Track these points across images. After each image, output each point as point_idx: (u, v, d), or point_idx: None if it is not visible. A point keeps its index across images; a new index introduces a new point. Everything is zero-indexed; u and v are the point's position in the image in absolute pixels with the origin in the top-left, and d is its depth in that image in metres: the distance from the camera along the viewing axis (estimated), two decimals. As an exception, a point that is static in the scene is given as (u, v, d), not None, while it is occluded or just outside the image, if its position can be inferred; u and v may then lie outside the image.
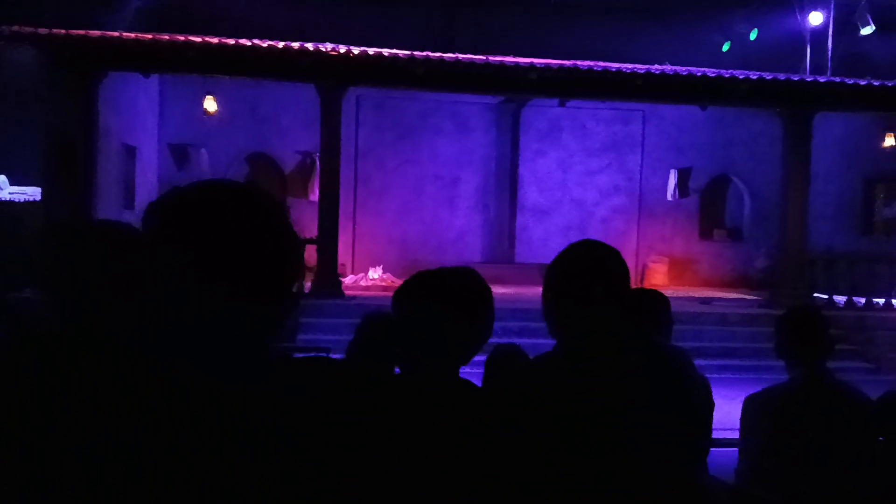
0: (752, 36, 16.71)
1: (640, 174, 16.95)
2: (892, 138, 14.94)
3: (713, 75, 12.70)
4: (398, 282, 13.82)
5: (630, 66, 12.59)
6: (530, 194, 16.60)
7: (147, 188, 14.80)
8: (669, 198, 16.55)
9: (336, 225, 12.26)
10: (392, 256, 15.59)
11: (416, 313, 1.81)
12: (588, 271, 2.00)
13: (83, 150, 11.36)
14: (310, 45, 11.69)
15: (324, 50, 11.69)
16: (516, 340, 11.85)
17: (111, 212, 12.50)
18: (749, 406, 3.08)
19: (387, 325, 2.96)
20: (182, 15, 13.76)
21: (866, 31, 15.39)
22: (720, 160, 16.90)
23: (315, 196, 14.01)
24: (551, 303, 2.03)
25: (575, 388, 1.89)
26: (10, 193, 12.67)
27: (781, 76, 13.10)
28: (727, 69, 13.41)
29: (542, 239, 16.58)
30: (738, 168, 16.95)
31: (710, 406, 2.93)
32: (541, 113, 16.27)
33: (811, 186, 13.34)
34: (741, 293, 14.97)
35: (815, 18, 16.46)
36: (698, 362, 10.73)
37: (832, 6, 16.30)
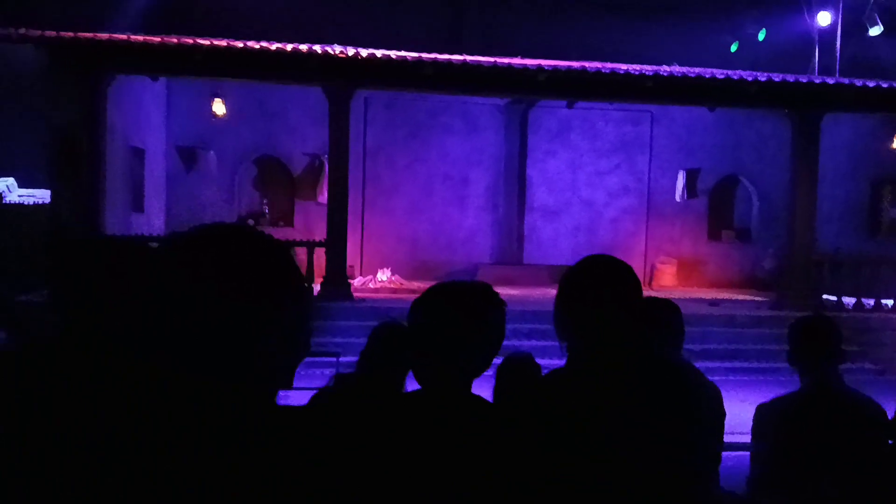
0: (761, 36, 16.68)
1: (649, 175, 16.92)
2: (902, 139, 14.88)
3: (722, 76, 12.67)
4: (407, 284, 13.77)
5: (639, 67, 12.57)
6: (539, 195, 16.59)
7: (155, 190, 14.84)
8: (678, 199, 16.51)
9: (345, 227, 12.26)
10: (401, 256, 15.59)
11: (433, 325, 1.81)
12: (599, 285, 2.01)
13: (91, 153, 11.38)
14: (318, 47, 11.71)
15: (332, 52, 11.70)
16: (525, 343, 11.84)
17: (119, 214, 12.55)
18: (760, 414, 3.07)
19: (399, 334, 2.96)
20: (188, 16, 13.84)
21: (875, 31, 15.34)
22: (729, 161, 16.85)
23: (324, 198, 14.02)
24: (563, 316, 2.03)
25: (585, 406, 1.90)
26: (18, 196, 12.75)
27: (790, 77, 13.06)
28: (736, 70, 13.39)
29: (552, 239, 16.57)
30: (747, 169, 16.90)
31: (721, 415, 2.91)
32: (550, 113, 16.26)
33: (819, 188, 13.29)
34: (749, 294, 14.93)
35: (824, 19, 16.42)
36: (706, 364, 10.66)
37: (841, 7, 16.25)
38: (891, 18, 15.15)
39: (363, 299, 12.26)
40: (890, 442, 3.00)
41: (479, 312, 1.83)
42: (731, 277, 16.59)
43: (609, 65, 12.57)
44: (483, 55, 12.35)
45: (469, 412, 1.77)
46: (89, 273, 1.85)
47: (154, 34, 11.82)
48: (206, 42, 11.41)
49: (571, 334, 2.03)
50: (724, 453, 2.83)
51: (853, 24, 15.85)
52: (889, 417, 3.01)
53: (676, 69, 12.94)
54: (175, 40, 11.42)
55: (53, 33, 10.92)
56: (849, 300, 12.85)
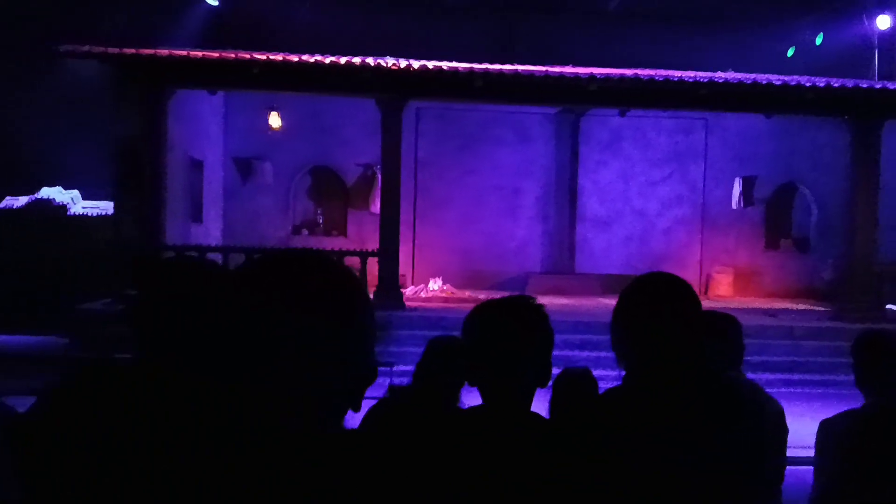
0: (818, 41, 16.33)
1: (703, 184, 16.69)
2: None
3: (778, 83, 12.44)
4: (458, 293, 13.76)
5: (692, 74, 12.44)
6: (591, 205, 16.49)
7: (213, 201, 15.16)
8: (734, 207, 16.27)
9: (397, 237, 12.36)
10: (452, 267, 15.64)
11: (492, 339, 1.83)
12: (657, 303, 2.00)
13: (152, 165, 11.69)
14: (370, 60, 11.85)
15: (384, 64, 11.83)
16: (578, 354, 11.76)
17: (179, 225, 12.85)
18: (824, 430, 2.99)
19: (455, 347, 2.98)
20: (245, 31, 14.11)
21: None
22: (786, 169, 16.54)
23: (376, 208, 14.15)
24: (620, 334, 2.04)
25: (644, 426, 1.89)
26: (83, 207, 13.15)
27: (849, 83, 12.76)
28: (792, 76, 13.13)
29: (604, 250, 16.46)
30: (805, 177, 16.56)
31: (784, 433, 2.86)
32: (601, 123, 16.17)
33: (880, 196, 12.95)
34: (808, 305, 14.61)
35: (883, 22, 16.01)
36: (764, 376, 10.46)
37: (902, 10, 15.83)
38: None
39: (415, 308, 12.32)
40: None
41: (535, 326, 1.85)
42: (788, 287, 16.25)
43: (662, 72, 12.46)
44: (534, 65, 12.35)
45: (530, 430, 1.79)
46: (171, 293, 1.91)
47: (212, 49, 12.10)
48: (263, 56, 11.64)
49: (629, 352, 2.02)
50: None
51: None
52: None
53: (731, 76, 12.76)
54: (233, 55, 11.67)
55: (116, 50, 11.26)
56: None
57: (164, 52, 11.52)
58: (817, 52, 16.15)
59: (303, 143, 15.60)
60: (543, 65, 12.34)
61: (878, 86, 13.17)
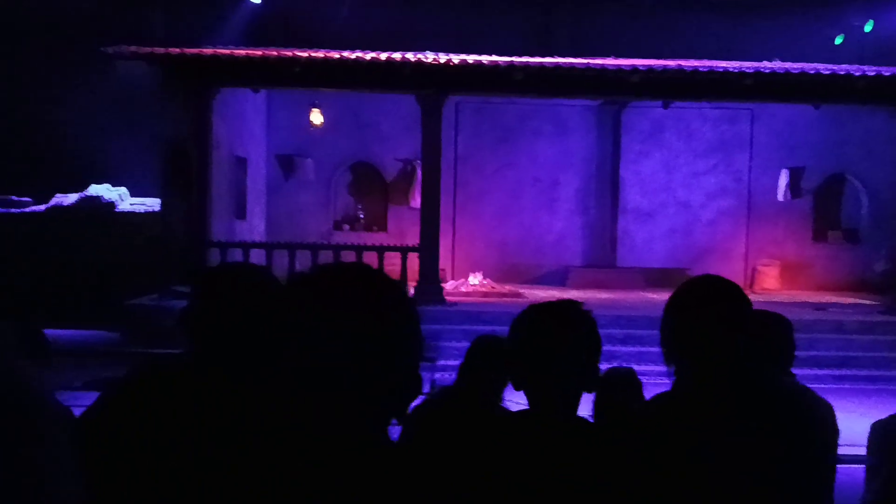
0: (868, 28, 15.92)
1: (749, 175, 16.42)
2: None
3: (827, 72, 12.14)
4: (498, 287, 13.71)
5: (737, 64, 12.21)
6: (632, 197, 16.33)
7: (256, 197, 15.34)
8: (781, 198, 15.97)
9: (437, 231, 12.37)
10: (491, 261, 15.62)
11: (540, 344, 1.82)
12: (707, 307, 1.97)
13: (198, 163, 11.88)
14: (410, 55, 11.86)
15: (424, 60, 11.83)
16: (620, 348, 11.67)
17: (223, 221, 13.03)
18: (876, 433, 2.92)
19: (498, 347, 2.98)
20: (286, 29, 14.23)
21: None
22: (835, 159, 16.19)
23: (416, 203, 14.20)
24: (670, 336, 2.01)
25: (693, 433, 1.87)
26: (130, 204, 13.39)
27: (901, 70, 12.42)
28: (841, 64, 12.81)
29: (646, 242, 16.28)
30: (855, 167, 16.20)
31: (835, 434, 2.80)
32: (643, 114, 15.99)
33: (935, 185, 12.61)
34: (858, 298, 14.28)
35: (937, 7, 15.54)
36: (813, 372, 10.25)
37: (956, -6, 15.38)
38: None
39: (455, 303, 12.33)
40: None
41: (585, 332, 1.84)
42: (838, 280, 15.92)
43: (706, 63, 12.26)
44: (574, 57, 12.23)
45: (577, 436, 1.78)
46: (224, 299, 1.94)
47: (255, 47, 12.23)
48: (305, 54, 11.73)
49: (679, 357, 1.99)
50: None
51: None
52: None
53: (778, 65, 12.49)
54: (275, 53, 11.78)
55: (162, 50, 11.45)
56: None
57: (208, 51, 11.67)
58: (867, 40, 15.74)
59: (343, 140, 15.70)
60: (583, 57, 12.22)
61: (930, 73, 12.78)
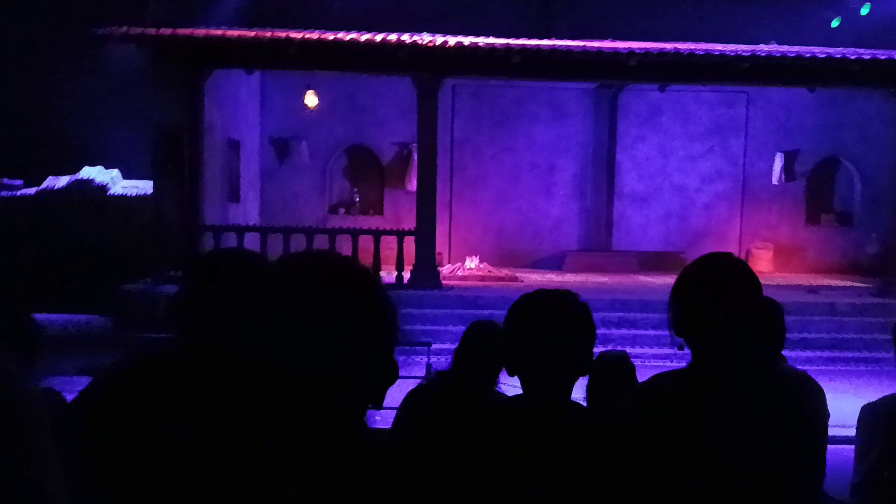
0: (864, 10, 15.87)
1: (744, 158, 16.43)
2: None
3: (823, 56, 12.13)
4: (495, 271, 13.71)
5: (734, 47, 12.17)
6: (629, 181, 16.33)
7: (250, 181, 15.29)
8: (775, 182, 16.00)
9: (434, 215, 12.35)
10: (488, 245, 15.63)
11: (536, 331, 1.83)
12: (719, 285, 1.95)
13: (190, 145, 11.81)
14: (406, 37, 11.79)
15: (420, 42, 11.77)
16: (615, 331, 11.71)
17: (217, 205, 12.99)
18: (865, 416, 2.94)
19: (493, 333, 2.99)
20: (281, 8, 14.12)
21: None
22: (829, 142, 16.20)
23: (412, 186, 14.16)
24: (679, 314, 1.98)
25: (698, 417, 1.86)
26: (122, 187, 13.34)
27: (896, 54, 12.41)
28: (838, 47, 12.80)
29: (642, 226, 16.30)
30: (849, 151, 16.21)
31: (826, 418, 2.82)
32: (640, 97, 15.96)
33: (930, 169, 12.63)
34: (851, 281, 14.33)
35: (934, -10, 15.49)
36: (805, 354, 10.34)
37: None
38: None
39: (452, 287, 12.34)
40: None
41: (580, 322, 1.84)
42: (830, 263, 15.98)
43: (703, 46, 12.22)
44: (572, 39, 12.19)
45: (572, 421, 1.79)
46: (218, 285, 1.94)
47: (248, 28, 12.14)
48: (299, 35, 11.65)
49: (687, 334, 1.97)
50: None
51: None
52: None
53: (774, 49, 12.46)
54: (269, 34, 11.70)
55: (154, 31, 11.35)
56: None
57: (200, 32, 11.59)
58: (863, 23, 15.70)
59: (339, 123, 15.64)
60: (581, 40, 12.17)
61: (926, 56, 12.77)
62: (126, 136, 12.62)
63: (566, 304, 1.85)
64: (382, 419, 2.96)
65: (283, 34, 11.67)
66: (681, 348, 1.99)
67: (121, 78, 12.33)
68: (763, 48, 12.41)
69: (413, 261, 12.20)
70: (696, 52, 11.93)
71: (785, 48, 12.52)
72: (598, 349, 3.33)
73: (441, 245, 14.21)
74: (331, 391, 1.17)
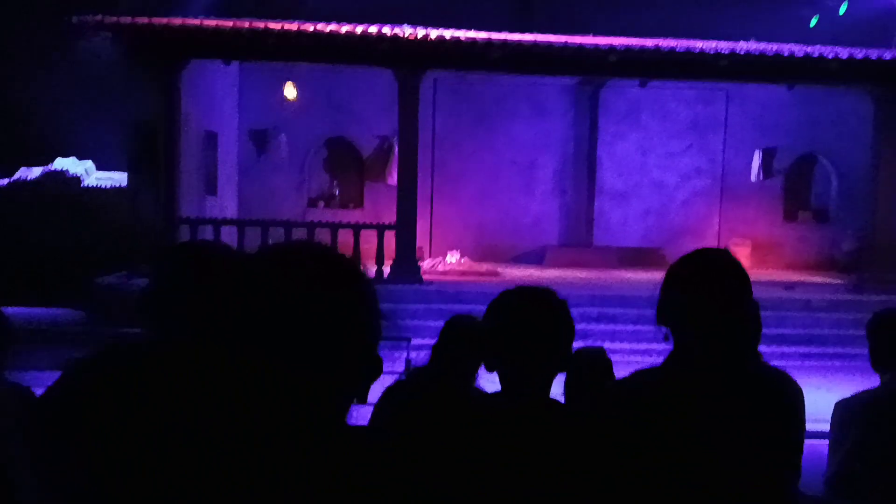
0: (842, 10, 16.02)
1: (723, 155, 16.53)
2: None
3: (801, 54, 12.23)
4: (476, 266, 13.69)
5: (714, 44, 12.23)
6: (609, 177, 16.38)
7: (228, 173, 15.17)
8: (753, 179, 16.12)
9: (414, 209, 12.31)
10: (470, 240, 15.62)
11: (516, 327, 1.82)
12: (714, 277, 1.95)
13: (166, 137, 11.67)
14: (387, 29, 11.73)
15: (401, 35, 11.72)
16: (594, 326, 11.73)
17: (193, 198, 12.87)
18: (839, 411, 2.95)
19: (472, 328, 2.97)
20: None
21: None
22: (806, 139, 16.34)
23: (393, 180, 14.12)
24: (669, 304, 1.98)
25: (681, 413, 1.86)
26: (96, 179, 13.18)
27: (872, 54, 12.52)
28: (815, 45, 12.90)
29: (621, 222, 16.37)
30: (826, 148, 16.36)
31: (803, 413, 2.84)
32: (620, 94, 16.00)
33: (905, 167, 12.77)
34: (827, 277, 14.47)
35: (910, -10, 15.65)
36: (780, 349, 10.39)
37: (929, -24, 15.49)
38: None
39: (432, 282, 12.32)
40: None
41: (560, 319, 1.84)
42: (807, 260, 16.13)
43: (684, 42, 12.26)
44: (553, 33, 12.18)
45: (550, 417, 1.79)
46: (188, 277, 1.90)
47: (226, 17, 12.01)
48: (278, 26, 11.56)
49: (677, 325, 1.96)
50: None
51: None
52: None
53: (753, 46, 12.54)
54: (247, 24, 11.59)
55: (129, 19, 11.20)
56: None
57: (176, 21, 11.46)
58: (841, 22, 15.83)
59: (318, 115, 15.54)
60: (562, 35, 12.17)
61: (902, 55, 12.90)
62: (100, 128, 12.45)
63: (544, 299, 1.85)
64: (358, 415, 2.93)
65: (261, 24, 11.57)
66: (666, 339, 1.98)
67: (95, 68, 12.15)
68: (742, 45, 12.48)
69: (393, 255, 12.16)
70: (677, 49, 11.98)
71: (764, 45, 12.61)
72: (577, 344, 3.32)
73: (422, 240, 14.18)
74: (316, 386, 1.14)
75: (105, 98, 12.14)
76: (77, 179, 12.87)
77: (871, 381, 3.04)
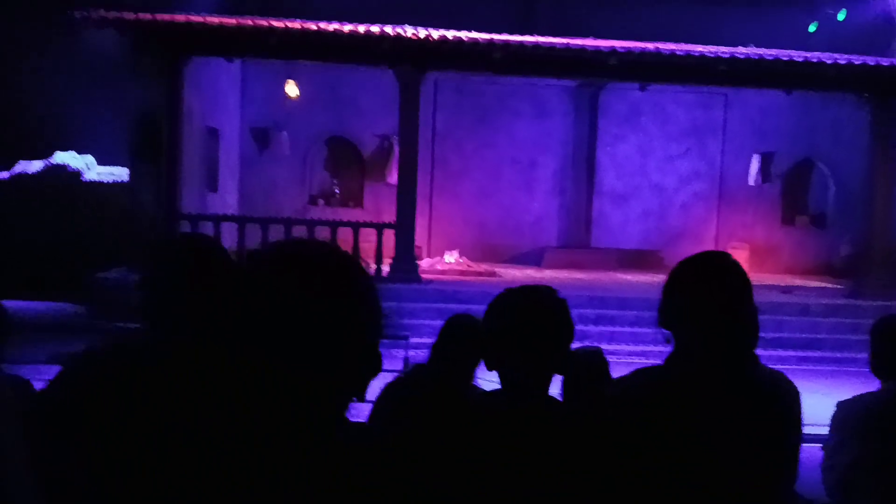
0: (841, 17, 16.05)
1: (721, 159, 16.57)
2: None
3: (800, 60, 12.26)
4: (474, 266, 13.66)
5: (713, 49, 12.26)
6: (608, 179, 16.41)
7: (229, 170, 15.18)
8: (752, 183, 16.15)
9: (413, 208, 12.33)
10: (469, 240, 15.63)
11: (517, 327, 1.83)
12: (716, 280, 1.97)
13: (168, 133, 11.68)
14: (389, 29, 11.75)
15: (403, 35, 11.73)
16: (592, 328, 11.76)
17: (194, 193, 12.88)
18: (839, 414, 2.95)
19: (471, 327, 2.98)
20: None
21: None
22: (804, 145, 16.38)
23: (393, 179, 14.13)
24: (672, 307, 1.99)
25: (682, 414, 1.87)
26: (97, 174, 13.18)
27: (870, 60, 12.56)
28: (813, 51, 12.93)
29: (620, 224, 16.40)
30: (823, 153, 16.40)
31: (800, 416, 2.87)
32: (620, 96, 16.03)
33: (901, 174, 12.81)
34: (824, 282, 14.51)
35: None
36: (778, 353, 10.42)
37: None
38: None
39: (430, 281, 12.34)
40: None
41: (560, 319, 1.85)
42: (805, 264, 16.16)
43: (683, 46, 12.29)
44: (555, 36, 12.20)
45: (549, 416, 1.80)
46: (182, 272, 1.92)
47: (229, 15, 12.02)
48: (281, 24, 11.56)
49: (679, 327, 1.98)
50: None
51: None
52: None
53: (752, 51, 12.58)
54: (250, 22, 11.60)
55: (132, 15, 11.19)
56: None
57: (180, 18, 11.46)
58: (840, 29, 15.87)
59: (320, 113, 15.55)
60: (563, 37, 12.19)
61: (901, 63, 12.94)
62: (101, 122, 12.45)
63: (544, 299, 1.86)
64: (356, 412, 2.95)
65: (264, 22, 11.57)
66: (668, 341, 2.00)
67: (97, 62, 12.15)
68: (742, 50, 12.52)
69: (392, 254, 12.17)
70: (677, 53, 12.01)
71: (763, 51, 12.65)
72: (575, 345, 3.35)
73: (421, 239, 14.19)
74: (316, 385, 1.14)
75: (107, 93, 12.14)
76: (77, 174, 12.87)
77: (868, 386, 3.05)
